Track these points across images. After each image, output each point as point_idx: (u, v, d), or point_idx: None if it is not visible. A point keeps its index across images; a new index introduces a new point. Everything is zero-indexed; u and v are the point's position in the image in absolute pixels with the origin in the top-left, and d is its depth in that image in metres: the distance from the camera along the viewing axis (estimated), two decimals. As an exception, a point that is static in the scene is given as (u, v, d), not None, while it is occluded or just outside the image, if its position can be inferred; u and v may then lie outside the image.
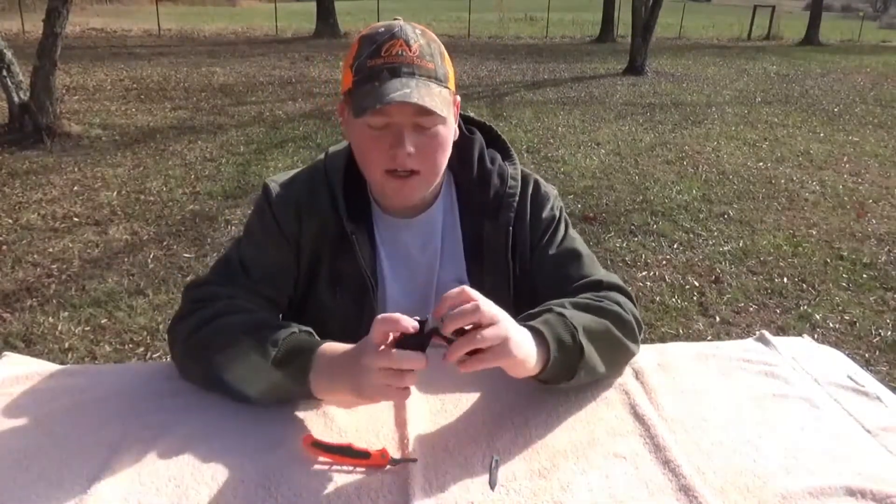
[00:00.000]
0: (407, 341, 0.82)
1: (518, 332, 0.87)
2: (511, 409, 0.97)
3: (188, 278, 3.55)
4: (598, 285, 1.10)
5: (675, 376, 1.08)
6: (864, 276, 3.97)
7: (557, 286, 1.10)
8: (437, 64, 1.01)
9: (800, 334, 1.48)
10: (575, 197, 5.25)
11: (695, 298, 3.59)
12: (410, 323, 0.81)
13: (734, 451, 0.90)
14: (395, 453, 0.87)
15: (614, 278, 1.12)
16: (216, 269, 1.12)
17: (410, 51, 0.99)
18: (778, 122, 8.82)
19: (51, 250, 3.97)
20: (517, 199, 1.15)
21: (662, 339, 3.14)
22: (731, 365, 1.12)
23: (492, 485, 0.82)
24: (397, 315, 0.82)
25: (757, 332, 1.25)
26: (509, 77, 12.38)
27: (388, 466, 0.84)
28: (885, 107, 10.38)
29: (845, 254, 4.28)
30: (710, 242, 4.41)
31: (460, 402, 0.99)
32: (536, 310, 1.00)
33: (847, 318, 3.43)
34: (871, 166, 6.64)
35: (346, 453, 0.85)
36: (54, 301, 3.35)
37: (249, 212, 4.25)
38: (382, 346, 0.82)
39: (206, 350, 0.97)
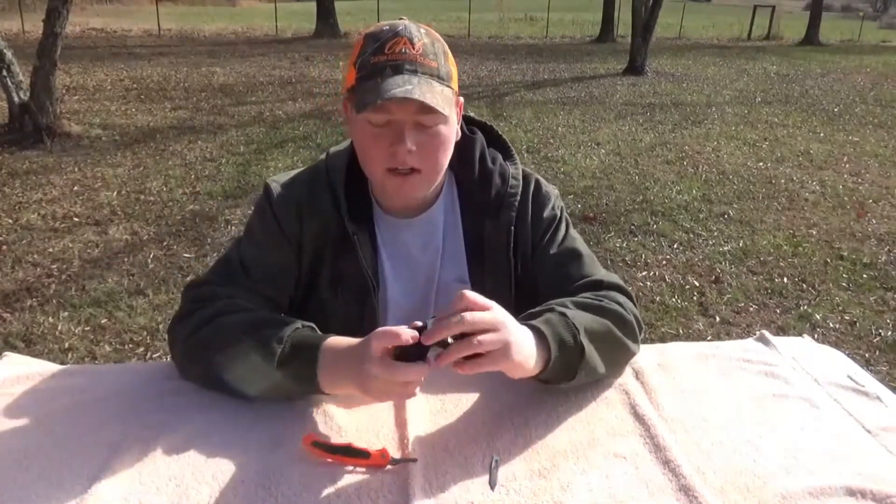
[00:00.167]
0: (407, 348, 0.82)
1: (519, 334, 0.87)
2: (511, 409, 0.97)
3: (188, 278, 3.55)
4: (599, 285, 1.10)
5: (675, 376, 1.08)
6: (864, 276, 3.97)
7: (558, 286, 1.10)
8: (441, 63, 1.01)
9: (800, 334, 1.48)
10: (575, 197, 5.25)
11: (695, 298, 3.59)
12: (408, 335, 0.81)
13: (734, 451, 0.90)
14: (395, 453, 0.87)
15: (615, 278, 1.13)
16: (216, 269, 1.12)
17: (414, 49, 0.99)
18: (778, 122, 8.82)
19: (51, 250, 3.97)
20: (518, 198, 1.15)
21: (662, 339, 3.14)
22: (731, 365, 1.12)
23: (492, 485, 0.82)
24: (395, 329, 0.82)
25: (757, 332, 1.25)
26: (509, 77, 12.39)
27: (388, 466, 0.84)
28: (885, 107, 10.38)
29: (845, 254, 4.28)
30: (710, 242, 4.41)
31: (460, 402, 0.99)
32: (538, 309, 1.00)
33: (847, 318, 3.43)
34: (871, 166, 6.64)
35: (346, 453, 0.85)
36: (54, 301, 3.35)
37: (250, 212, 4.24)
38: (383, 357, 0.83)
39: (207, 350, 0.97)
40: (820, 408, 1.01)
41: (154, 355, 2.90)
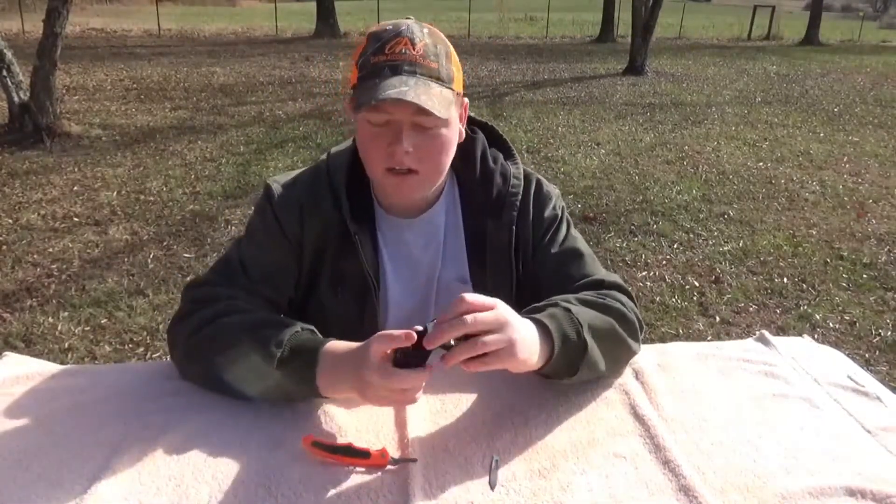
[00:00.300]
0: (408, 354, 0.82)
1: (523, 331, 0.87)
2: (511, 409, 0.97)
3: (188, 278, 3.55)
4: (600, 284, 1.10)
5: (675, 376, 1.08)
6: (864, 276, 3.97)
7: (559, 285, 1.10)
8: (442, 64, 1.01)
9: (800, 334, 1.48)
10: (575, 197, 5.25)
11: (695, 298, 3.59)
12: (411, 335, 0.81)
13: (734, 451, 0.91)
14: (395, 453, 0.87)
15: (615, 278, 1.13)
16: (216, 269, 1.12)
17: (414, 49, 0.99)
18: (778, 122, 8.82)
19: (51, 250, 3.97)
20: (520, 198, 1.15)
21: (662, 339, 3.14)
22: (731, 365, 1.12)
23: (492, 485, 0.82)
24: (395, 333, 0.82)
25: (757, 332, 1.25)
26: (509, 77, 12.39)
27: (388, 466, 0.84)
28: (885, 107, 10.38)
29: (845, 254, 4.28)
30: (710, 242, 4.41)
31: (460, 402, 0.99)
32: (541, 304, 1.00)
33: (847, 318, 3.43)
34: (871, 166, 6.64)
35: (346, 453, 0.85)
36: (54, 301, 3.35)
37: (250, 212, 4.24)
38: (381, 363, 0.82)
39: (207, 351, 0.97)
40: (820, 408, 1.01)
41: (154, 355, 2.90)
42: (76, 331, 3.08)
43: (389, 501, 0.80)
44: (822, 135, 8.09)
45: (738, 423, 0.97)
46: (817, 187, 5.82)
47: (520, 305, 1.02)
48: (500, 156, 1.19)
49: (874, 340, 3.21)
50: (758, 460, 0.89)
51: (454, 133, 1.07)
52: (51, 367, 1.07)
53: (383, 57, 0.98)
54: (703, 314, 3.43)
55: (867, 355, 3.07)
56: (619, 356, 1.05)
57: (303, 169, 1.18)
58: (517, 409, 0.97)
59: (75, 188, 5.17)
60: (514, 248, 1.16)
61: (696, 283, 3.77)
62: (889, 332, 3.28)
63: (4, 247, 4.00)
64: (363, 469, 0.84)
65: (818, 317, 3.42)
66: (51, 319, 3.17)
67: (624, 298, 1.08)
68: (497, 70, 13.24)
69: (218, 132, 7.23)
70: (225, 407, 0.96)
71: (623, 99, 10.21)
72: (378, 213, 1.15)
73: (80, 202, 4.86)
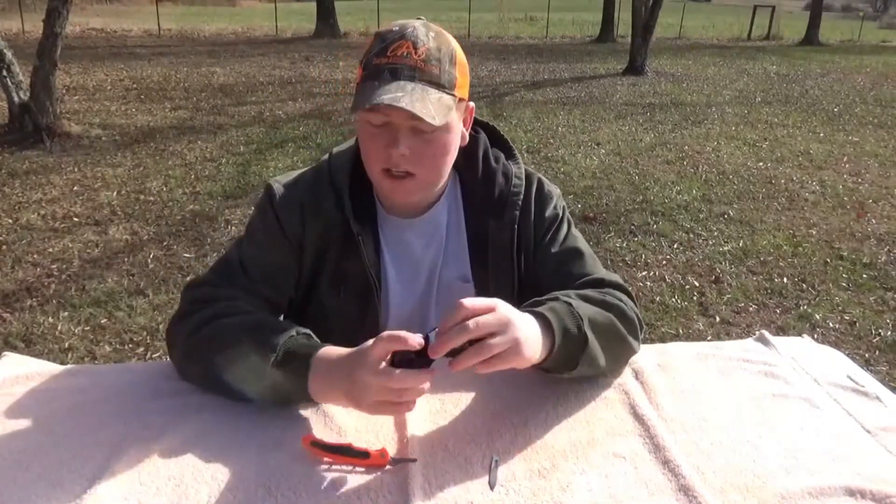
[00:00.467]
0: (408, 360, 0.81)
1: (526, 330, 0.86)
2: (510, 409, 0.97)
3: (188, 278, 3.55)
4: (600, 283, 1.10)
5: (675, 376, 1.08)
6: (864, 276, 3.97)
7: (559, 284, 1.10)
8: (444, 69, 1.01)
9: (800, 334, 1.48)
10: (575, 197, 5.25)
11: (695, 298, 3.59)
12: (414, 341, 0.80)
13: (734, 451, 0.91)
14: (394, 453, 0.87)
15: (615, 277, 1.13)
16: (216, 269, 1.12)
17: (416, 54, 0.99)
18: (778, 122, 8.82)
19: (51, 250, 3.97)
20: (521, 197, 1.16)
21: (662, 339, 3.14)
22: (730, 365, 1.12)
23: (491, 485, 0.82)
24: (403, 333, 0.81)
25: (757, 332, 1.25)
26: (509, 77, 12.39)
27: (388, 466, 0.84)
28: (885, 107, 10.38)
29: (845, 254, 4.28)
30: (710, 242, 4.41)
31: (460, 402, 0.99)
32: (542, 298, 1.00)
33: (847, 318, 3.43)
34: (871, 166, 6.64)
35: (346, 453, 0.85)
36: (54, 301, 3.35)
37: (249, 212, 4.23)
38: (382, 364, 0.82)
39: (206, 351, 0.97)
40: (820, 408, 1.01)
41: (154, 355, 2.90)
42: (76, 331, 3.08)
43: (389, 501, 0.80)
44: (822, 135, 8.09)
45: (738, 423, 0.97)
46: (817, 187, 5.82)
47: (522, 305, 1.02)
48: (502, 156, 1.20)
49: (874, 340, 3.21)
50: (758, 460, 0.89)
51: (454, 137, 1.06)
52: (51, 367, 1.07)
53: (385, 59, 0.99)
54: (703, 314, 3.43)
55: (867, 355, 3.07)
56: (619, 353, 1.06)
57: (304, 169, 1.18)
58: (517, 409, 0.97)
59: (75, 188, 5.18)
60: (515, 247, 1.16)
61: (696, 283, 3.77)
62: (889, 332, 3.28)
63: (4, 247, 4.00)
64: (363, 469, 0.84)
65: (818, 317, 3.42)
66: (51, 319, 3.17)
67: (624, 297, 1.08)
68: (497, 70, 13.24)
69: (218, 132, 7.23)
70: (225, 407, 0.96)
71: (623, 99, 10.21)
72: (380, 213, 1.15)
73: (80, 202, 4.86)
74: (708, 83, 12.34)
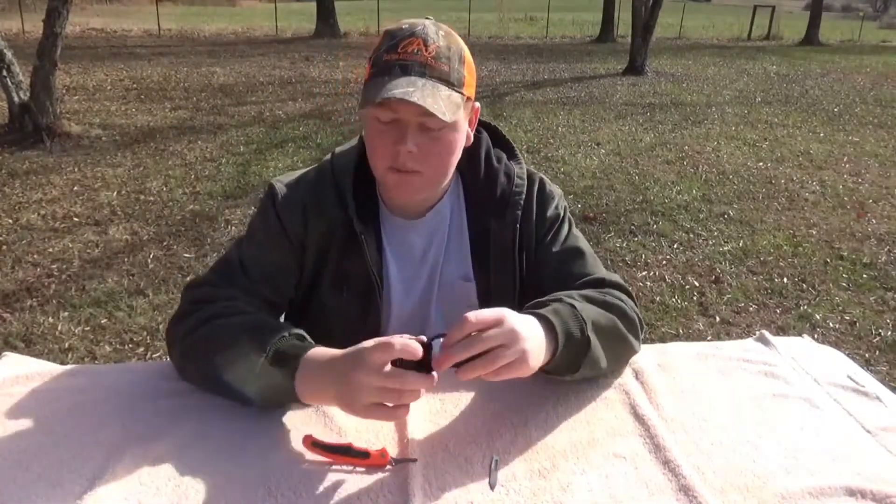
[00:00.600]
0: (408, 364, 0.81)
1: (533, 341, 0.86)
2: (511, 409, 0.97)
3: (188, 278, 3.55)
4: (601, 283, 1.11)
5: (675, 376, 1.08)
6: (864, 276, 3.97)
7: (560, 284, 1.11)
8: (453, 67, 1.01)
9: (800, 334, 1.48)
10: (575, 197, 5.24)
11: (695, 298, 3.59)
12: (418, 352, 0.80)
13: (734, 451, 0.91)
14: (394, 453, 0.87)
15: (616, 277, 1.13)
16: (216, 270, 1.12)
17: (427, 51, 0.99)
18: (778, 122, 8.82)
19: (51, 250, 3.97)
20: (523, 197, 1.16)
21: (662, 339, 3.14)
22: (731, 365, 1.12)
23: (492, 485, 0.82)
24: (407, 343, 0.80)
25: (757, 332, 1.25)
26: (509, 77, 12.39)
27: (388, 466, 0.84)
28: (885, 107, 10.38)
29: (845, 254, 4.28)
30: (710, 242, 4.41)
31: (460, 402, 0.99)
32: (545, 298, 1.00)
33: (847, 318, 3.43)
34: (871, 166, 6.64)
35: (346, 453, 0.85)
36: (54, 301, 3.35)
37: (250, 212, 4.23)
38: (384, 366, 0.80)
39: (205, 351, 0.97)
40: (820, 408, 1.01)
41: (154, 355, 2.90)
42: (76, 331, 3.08)
43: (389, 501, 0.80)
44: (822, 135, 8.09)
45: (738, 423, 0.97)
46: (817, 187, 5.82)
47: (523, 304, 1.02)
48: (504, 156, 1.20)
49: (874, 340, 3.21)
50: (758, 460, 0.89)
51: (461, 136, 1.07)
52: (51, 368, 1.06)
53: (395, 55, 0.99)
54: (703, 314, 3.43)
55: (867, 355, 3.07)
56: (621, 354, 1.06)
57: (306, 169, 1.18)
58: (517, 410, 0.97)
59: (75, 188, 5.17)
60: (517, 246, 1.16)
61: (696, 283, 3.77)
62: (889, 332, 3.28)
63: (4, 247, 4.00)
64: (363, 469, 0.84)
65: (818, 317, 3.42)
66: (51, 319, 3.17)
67: (625, 297, 1.09)
68: (497, 70, 13.24)
69: (218, 132, 7.23)
70: (225, 407, 0.96)
71: (623, 99, 10.21)
72: (383, 213, 1.15)
73: (80, 202, 4.86)
74: (708, 83, 12.34)
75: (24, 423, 0.92)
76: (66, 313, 3.23)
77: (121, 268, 3.76)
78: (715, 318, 3.38)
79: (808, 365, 1.13)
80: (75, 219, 4.51)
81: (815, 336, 3.13)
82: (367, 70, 1.03)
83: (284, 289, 1.13)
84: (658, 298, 3.57)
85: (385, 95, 0.94)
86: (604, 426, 0.95)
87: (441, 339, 0.83)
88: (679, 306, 3.49)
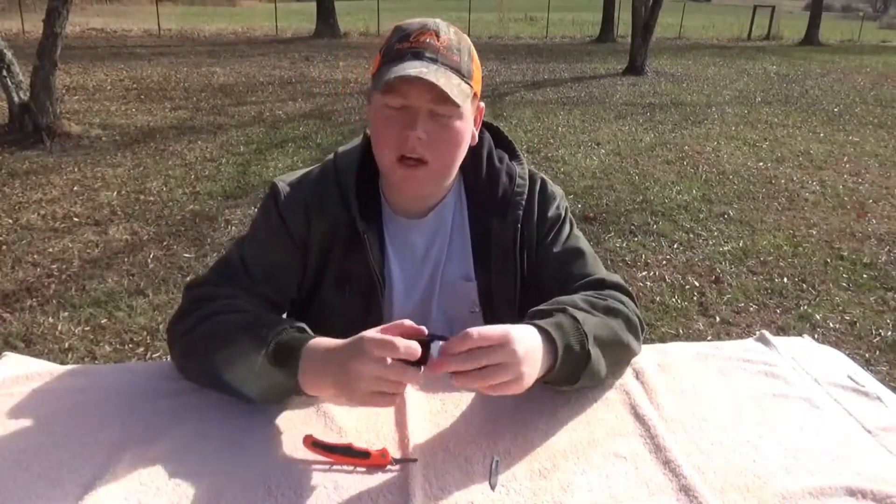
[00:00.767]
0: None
1: (530, 366, 0.86)
2: (511, 409, 0.97)
3: (188, 278, 3.55)
4: (601, 284, 1.11)
5: (676, 376, 1.08)
6: (864, 276, 3.97)
7: (561, 284, 1.11)
8: (463, 60, 1.03)
9: (800, 334, 1.48)
10: (575, 197, 5.24)
11: (695, 298, 3.59)
12: (416, 353, 0.81)
13: (734, 451, 0.91)
14: (395, 453, 0.87)
15: (616, 278, 1.13)
16: (217, 269, 1.12)
17: (439, 41, 1.02)
18: (778, 122, 8.82)
19: (51, 250, 3.97)
20: (525, 197, 1.16)
21: (662, 339, 3.14)
22: (731, 365, 1.12)
23: (492, 485, 0.82)
24: (407, 344, 0.81)
25: (757, 332, 1.25)
26: (509, 77, 12.39)
27: (389, 466, 0.84)
28: (885, 107, 10.38)
29: (845, 254, 4.28)
30: (710, 242, 4.41)
31: (460, 402, 0.99)
32: (548, 306, 1.00)
33: (847, 318, 3.43)
34: (871, 166, 6.64)
35: (346, 453, 0.85)
36: (54, 301, 3.35)
37: (250, 212, 4.23)
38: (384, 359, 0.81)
39: (205, 349, 0.97)
40: (820, 408, 1.01)
41: (154, 355, 2.90)
42: (76, 331, 3.08)
43: (389, 501, 0.80)
44: (822, 135, 8.09)
45: (738, 423, 0.97)
46: (817, 187, 5.82)
47: (524, 304, 1.03)
48: (506, 156, 1.21)
49: (874, 340, 3.21)
50: (758, 460, 0.89)
51: (467, 129, 1.07)
52: (51, 368, 1.07)
53: (407, 44, 1.01)
54: (703, 314, 3.43)
55: (867, 355, 3.07)
56: (622, 361, 1.06)
57: (308, 168, 1.18)
58: (517, 410, 0.97)
59: (75, 188, 5.17)
60: (518, 246, 1.16)
61: (696, 283, 3.77)
62: (889, 332, 3.28)
63: (4, 247, 4.00)
64: (363, 469, 0.84)
65: (818, 317, 3.42)
66: (51, 319, 3.16)
67: (625, 299, 1.09)
68: (497, 70, 13.23)
69: (218, 132, 7.23)
70: (225, 407, 0.96)
71: (623, 99, 10.21)
72: (386, 212, 1.16)
73: (80, 202, 4.86)
74: (708, 83, 12.34)
75: (24, 423, 0.92)
76: (66, 313, 3.23)
77: (121, 268, 3.76)
78: (715, 318, 3.38)
79: (809, 365, 1.13)
80: (75, 219, 4.51)
81: (816, 336, 3.12)
82: (377, 61, 1.05)
83: (286, 288, 1.13)
84: (658, 298, 3.57)
85: (399, 74, 0.95)
86: (604, 426, 0.95)
87: (440, 343, 0.84)
88: (679, 306, 3.49)
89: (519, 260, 1.17)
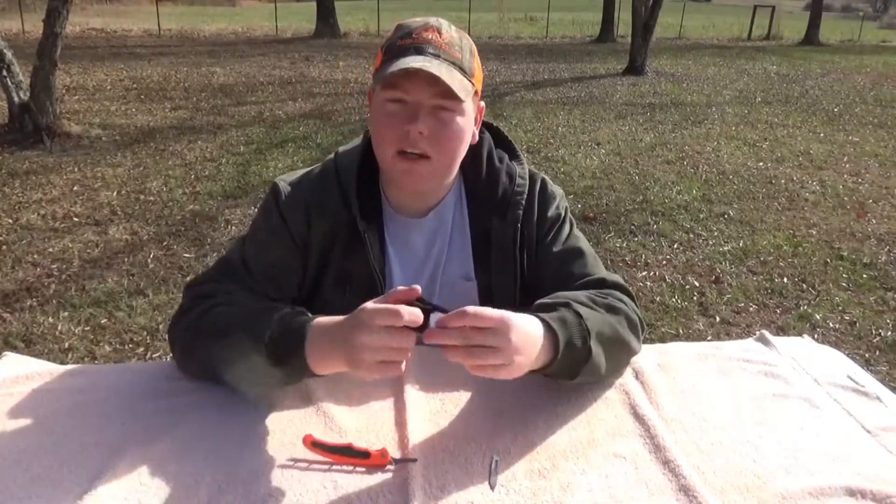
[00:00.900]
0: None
1: (526, 353, 0.85)
2: (511, 408, 0.97)
3: (188, 278, 3.55)
4: (602, 283, 1.11)
5: (675, 376, 1.08)
6: (864, 276, 3.97)
7: (561, 283, 1.11)
8: (465, 57, 1.04)
9: (800, 334, 1.48)
10: (575, 197, 5.24)
11: (695, 298, 3.59)
12: (420, 320, 0.81)
13: (734, 451, 0.91)
14: (395, 453, 0.87)
15: (617, 278, 1.13)
16: (217, 268, 1.13)
17: (441, 37, 1.03)
18: (778, 122, 8.82)
19: (51, 250, 3.97)
20: (525, 197, 1.17)
21: (662, 339, 3.14)
22: (731, 365, 1.12)
23: (492, 485, 0.82)
24: (411, 311, 0.81)
25: (757, 332, 1.25)
26: (509, 77, 12.39)
27: (389, 466, 0.84)
28: (885, 107, 10.38)
29: (845, 254, 4.28)
30: (710, 242, 4.41)
31: (460, 402, 0.99)
32: (552, 299, 0.99)
33: (847, 318, 3.43)
34: (871, 166, 6.64)
35: (346, 453, 0.85)
36: (54, 301, 3.35)
37: (250, 212, 4.22)
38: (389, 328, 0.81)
39: (206, 342, 0.97)
40: (820, 408, 1.01)
41: (154, 355, 2.90)
42: (76, 331, 3.08)
43: (389, 501, 0.80)
44: (822, 135, 8.09)
45: (738, 423, 0.97)
46: (817, 187, 5.82)
47: (524, 304, 1.03)
48: (506, 156, 1.21)
49: (874, 340, 3.21)
50: (758, 460, 0.89)
51: (468, 126, 1.08)
52: (51, 368, 1.07)
53: (410, 40, 1.02)
54: (703, 314, 3.43)
55: (867, 355, 3.07)
56: (622, 359, 1.06)
57: (308, 168, 1.18)
58: (517, 409, 0.97)
59: (75, 188, 5.17)
60: (518, 246, 1.17)
61: (696, 283, 3.77)
62: (889, 332, 3.28)
63: (4, 247, 4.00)
64: (363, 469, 0.84)
65: (818, 317, 3.42)
66: (51, 319, 3.16)
67: (626, 299, 1.09)
68: (497, 70, 13.23)
69: (218, 132, 7.23)
70: (225, 407, 0.96)
71: (623, 99, 10.21)
72: (387, 212, 1.16)
73: (80, 202, 4.86)
74: (708, 83, 12.34)
75: (24, 423, 0.92)
76: (66, 313, 3.23)
77: (121, 268, 3.76)
78: (715, 318, 3.38)
79: (808, 365, 1.13)
80: (75, 219, 4.51)
81: (815, 336, 3.13)
82: (379, 57, 1.05)
83: (287, 288, 1.13)
84: (658, 298, 3.57)
85: (403, 66, 0.96)
86: (604, 426, 0.95)
87: (439, 315, 0.83)
88: (679, 306, 3.49)
89: (519, 259, 1.17)
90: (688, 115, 9.03)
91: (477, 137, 1.14)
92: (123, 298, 3.39)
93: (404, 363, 0.83)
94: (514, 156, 1.22)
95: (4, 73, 6.33)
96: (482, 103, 1.13)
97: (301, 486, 0.81)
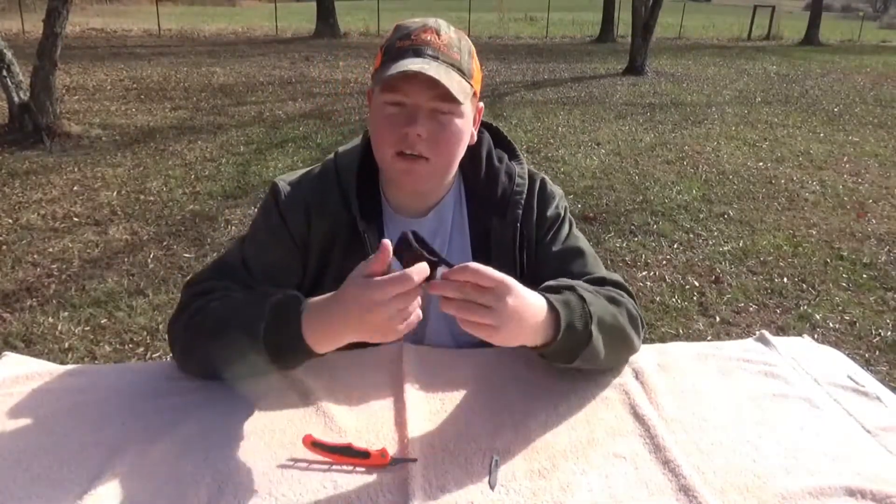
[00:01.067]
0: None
1: (522, 322, 0.86)
2: (511, 408, 0.97)
3: (188, 278, 3.54)
4: (602, 282, 1.11)
5: (675, 376, 1.08)
6: (864, 276, 3.97)
7: None
8: (464, 59, 1.04)
9: (800, 334, 1.48)
10: (575, 197, 5.24)
11: (695, 298, 3.59)
12: (426, 272, 0.82)
13: (734, 451, 0.91)
14: (394, 453, 0.87)
15: (616, 277, 1.14)
16: (216, 267, 1.13)
17: (440, 39, 1.03)
18: (778, 122, 8.82)
19: (51, 250, 3.97)
20: (524, 196, 1.17)
21: (662, 339, 3.14)
22: (731, 365, 1.12)
23: (492, 485, 0.82)
24: (416, 271, 0.82)
25: (757, 332, 1.25)
26: (509, 77, 12.39)
27: (388, 466, 0.84)
28: (885, 107, 10.38)
29: (845, 254, 4.28)
30: (710, 242, 4.41)
31: (460, 402, 0.99)
32: (559, 283, 1.01)
33: (847, 318, 3.43)
34: (871, 166, 6.64)
35: (346, 453, 0.85)
36: (54, 301, 3.35)
37: (250, 212, 4.22)
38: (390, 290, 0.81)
39: (203, 341, 0.98)
40: (820, 408, 1.01)
41: (154, 355, 2.90)
42: (76, 331, 3.08)
43: (389, 501, 0.80)
44: (822, 135, 8.09)
45: (738, 423, 0.97)
46: (817, 187, 5.82)
47: (539, 287, 1.03)
48: (506, 156, 1.21)
49: (874, 340, 3.21)
50: (758, 460, 0.89)
51: (467, 127, 1.08)
52: (51, 368, 1.07)
53: (409, 42, 1.02)
54: (703, 314, 3.43)
55: (867, 355, 3.07)
56: (621, 351, 1.07)
57: (308, 168, 1.18)
58: (517, 409, 0.97)
59: (75, 188, 5.17)
60: (518, 245, 1.17)
61: (696, 283, 3.77)
62: (889, 332, 3.28)
63: (4, 247, 4.00)
64: (363, 469, 0.84)
65: (818, 317, 3.42)
66: (51, 319, 3.16)
67: (626, 296, 1.10)
68: (497, 70, 13.23)
69: (218, 132, 7.23)
70: (225, 407, 0.96)
71: (623, 99, 10.21)
72: (386, 212, 1.16)
73: (80, 202, 4.86)
74: (708, 83, 12.34)
75: (24, 423, 0.92)
76: (66, 313, 3.23)
77: (121, 268, 3.76)
78: (715, 318, 3.38)
79: (808, 365, 1.13)
80: (75, 219, 4.51)
81: (815, 336, 3.13)
82: (378, 58, 1.05)
83: (286, 288, 1.13)
84: (658, 298, 3.57)
85: (401, 69, 0.96)
86: (604, 426, 0.95)
87: (444, 269, 0.84)
88: (679, 306, 3.49)
89: (518, 259, 1.17)
90: (688, 115, 9.03)
91: (476, 138, 1.14)
92: (123, 298, 3.39)
93: (419, 309, 0.84)
94: (513, 156, 1.22)
95: (4, 73, 6.33)
96: (481, 104, 1.13)
97: (301, 486, 0.81)
